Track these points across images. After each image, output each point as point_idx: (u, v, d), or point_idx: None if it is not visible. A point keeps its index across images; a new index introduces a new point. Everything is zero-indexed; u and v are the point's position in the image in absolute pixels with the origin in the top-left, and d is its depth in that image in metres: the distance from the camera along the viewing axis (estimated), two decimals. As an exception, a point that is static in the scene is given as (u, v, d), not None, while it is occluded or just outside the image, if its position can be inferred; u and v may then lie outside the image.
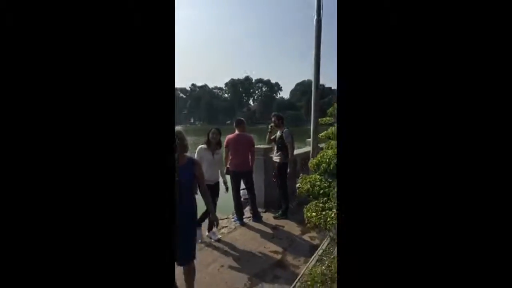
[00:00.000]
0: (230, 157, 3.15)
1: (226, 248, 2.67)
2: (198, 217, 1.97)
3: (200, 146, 2.76)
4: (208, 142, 2.75)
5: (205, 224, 2.85)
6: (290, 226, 3.20)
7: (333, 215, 1.90)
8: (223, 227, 3.20)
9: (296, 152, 3.64)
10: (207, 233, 2.80)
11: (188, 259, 1.77)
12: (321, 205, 2.08)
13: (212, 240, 2.75)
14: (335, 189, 1.98)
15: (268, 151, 3.76)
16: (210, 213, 1.93)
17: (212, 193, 2.77)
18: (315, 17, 3.31)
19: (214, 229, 2.78)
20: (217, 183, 2.83)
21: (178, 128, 1.73)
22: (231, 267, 2.34)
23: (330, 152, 2.38)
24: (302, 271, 2.12)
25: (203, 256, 2.47)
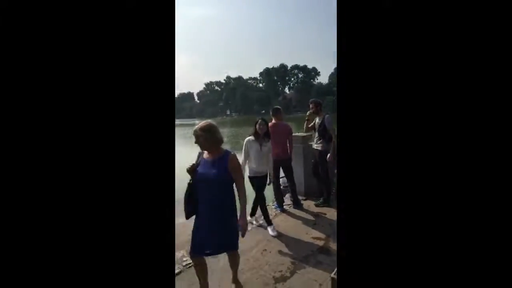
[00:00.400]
0: (269, 146, 3.18)
1: (267, 233, 2.75)
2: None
3: (247, 138, 2.77)
4: (255, 134, 2.72)
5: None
6: (333, 214, 3.15)
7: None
8: (264, 214, 3.29)
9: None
10: (270, 231, 2.76)
11: (230, 249, 1.76)
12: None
13: (271, 234, 2.72)
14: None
15: (306, 139, 3.70)
16: (240, 217, 1.68)
17: (261, 185, 2.77)
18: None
19: (270, 228, 2.77)
20: (266, 175, 2.80)
21: (209, 121, 1.67)
22: (273, 251, 2.42)
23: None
24: (346, 258, 2.09)
25: (246, 240, 2.60)
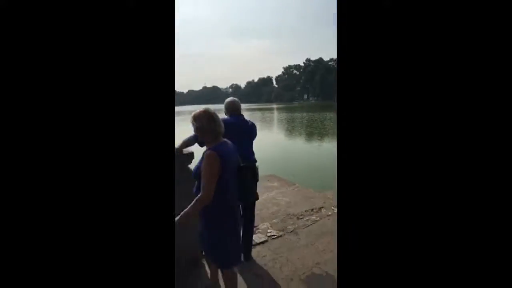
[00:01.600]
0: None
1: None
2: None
3: None
4: None
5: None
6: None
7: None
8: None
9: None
10: None
11: (227, 264, 1.46)
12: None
13: None
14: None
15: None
16: (182, 213, 1.31)
17: None
18: None
19: None
20: None
21: (206, 108, 1.40)
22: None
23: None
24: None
25: (318, 228, 2.66)
